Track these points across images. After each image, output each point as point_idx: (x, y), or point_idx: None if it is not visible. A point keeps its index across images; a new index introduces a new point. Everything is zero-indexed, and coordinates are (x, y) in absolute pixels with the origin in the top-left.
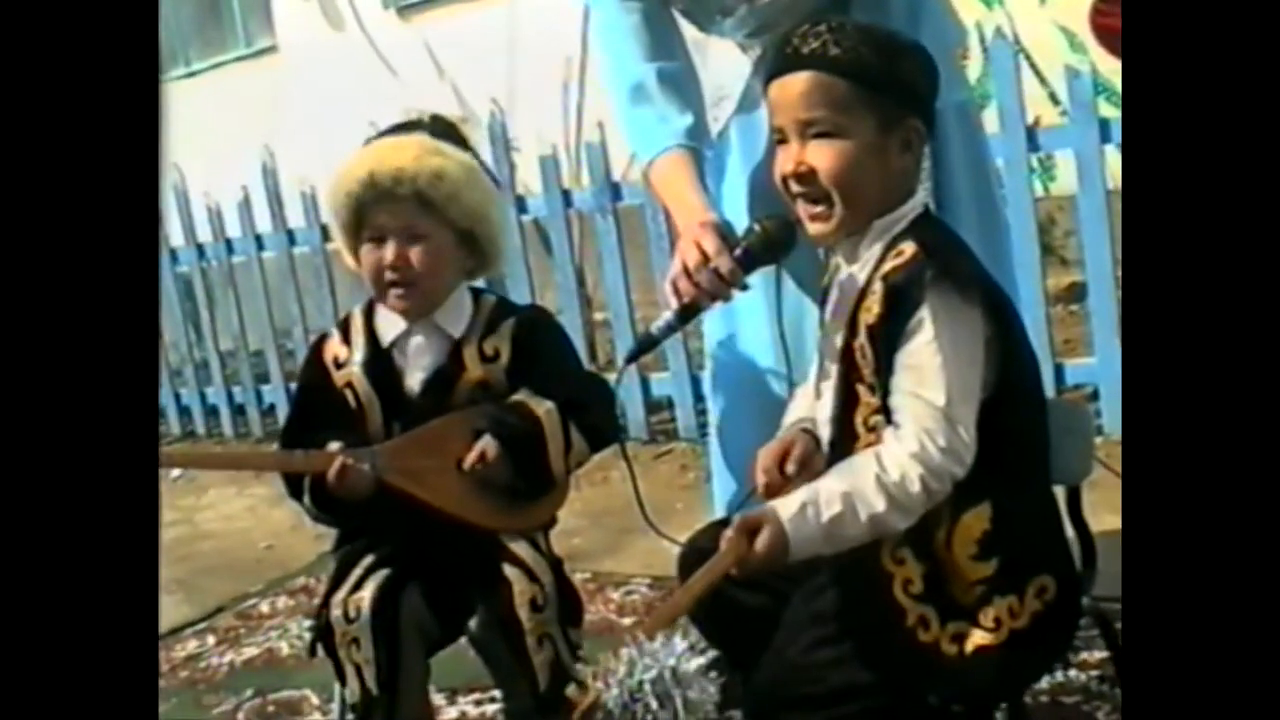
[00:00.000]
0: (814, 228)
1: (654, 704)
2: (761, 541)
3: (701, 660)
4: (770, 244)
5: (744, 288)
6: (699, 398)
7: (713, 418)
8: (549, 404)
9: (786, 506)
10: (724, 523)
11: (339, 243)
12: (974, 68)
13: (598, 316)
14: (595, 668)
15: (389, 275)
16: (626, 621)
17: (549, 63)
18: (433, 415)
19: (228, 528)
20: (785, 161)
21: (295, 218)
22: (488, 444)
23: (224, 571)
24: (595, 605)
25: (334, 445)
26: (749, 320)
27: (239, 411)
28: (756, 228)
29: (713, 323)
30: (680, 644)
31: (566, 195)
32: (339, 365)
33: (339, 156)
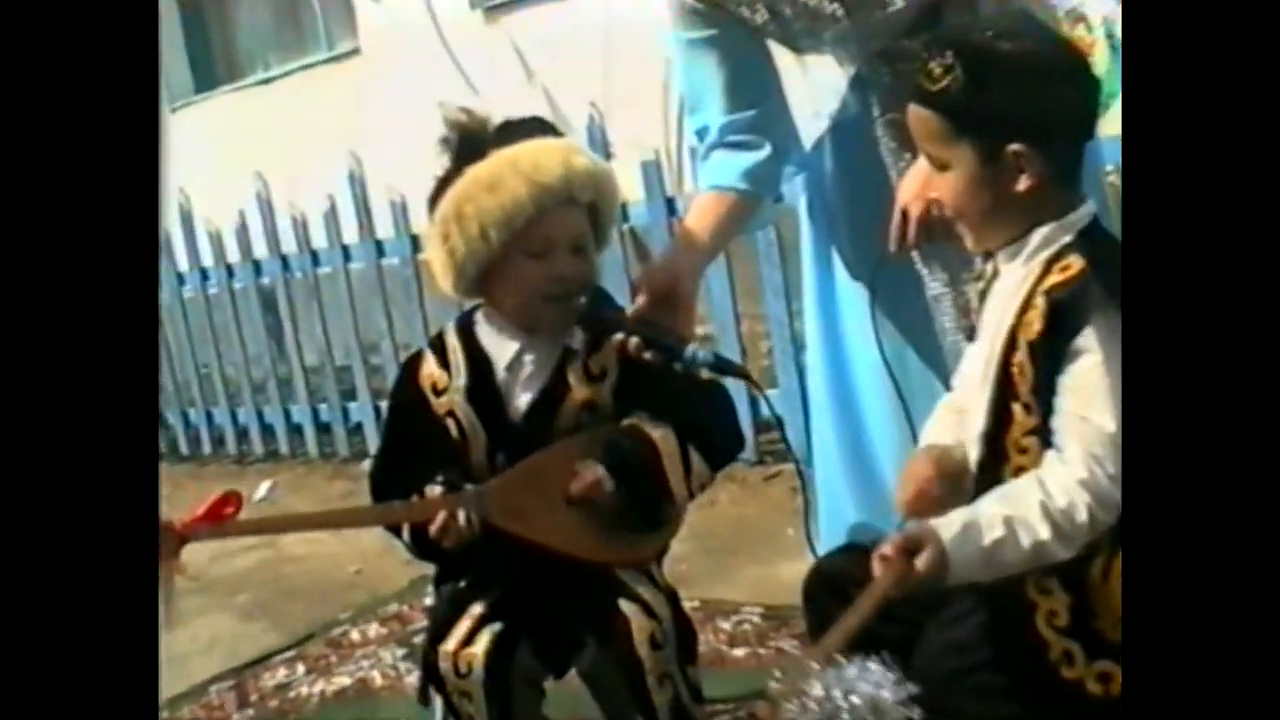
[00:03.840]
0: (963, 242)
1: None
2: (923, 561)
3: (904, 693)
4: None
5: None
6: (806, 416)
7: (815, 441)
8: (665, 426)
9: (948, 527)
10: (852, 548)
11: (470, 252)
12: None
13: (700, 330)
14: (786, 687)
15: (555, 289)
16: (738, 653)
17: (647, 63)
18: (537, 442)
19: (313, 551)
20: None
21: (384, 228)
22: (597, 472)
23: (311, 597)
24: (705, 634)
25: (435, 490)
26: (852, 338)
27: (324, 429)
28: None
29: (812, 341)
30: (875, 668)
31: (670, 202)
32: (438, 392)
33: (430, 163)
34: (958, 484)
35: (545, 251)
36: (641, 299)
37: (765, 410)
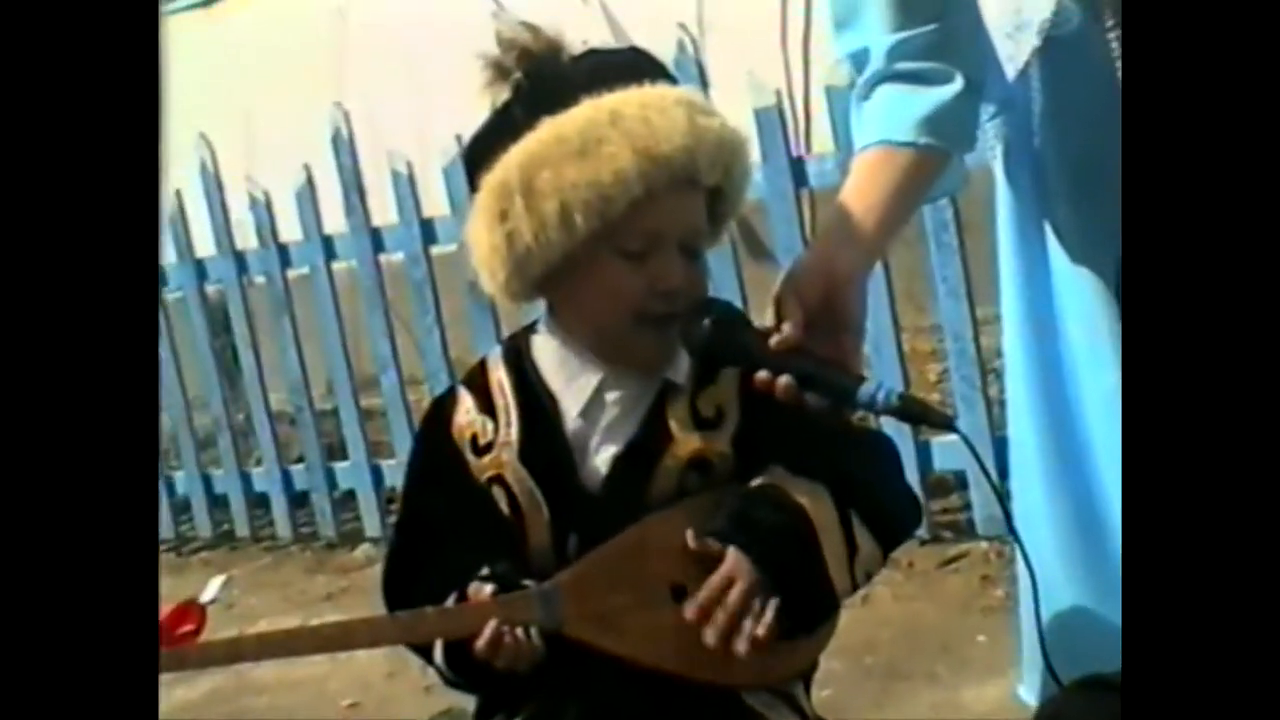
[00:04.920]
0: None
1: None
2: None
3: None
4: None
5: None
6: (1005, 473)
7: (1018, 504)
8: (817, 487)
9: None
10: (1096, 684)
11: (540, 241)
12: None
13: None
14: None
15: (657, 305)
16: None
17: None
18: (624, 516)
19: (289, 676)
20: None
21: (381, 210)
22: (738, 567)
23: None
24: None
25: (482, 590)
26: (1077, 353)
27: (299, 502)
28: None
29: (1014, 361)
30: None
31: (797, 166)
32: (480, 448)
33: (448, 117)
34: None
35: (648, 251)
36: (789, 316)
37: (939, 465)
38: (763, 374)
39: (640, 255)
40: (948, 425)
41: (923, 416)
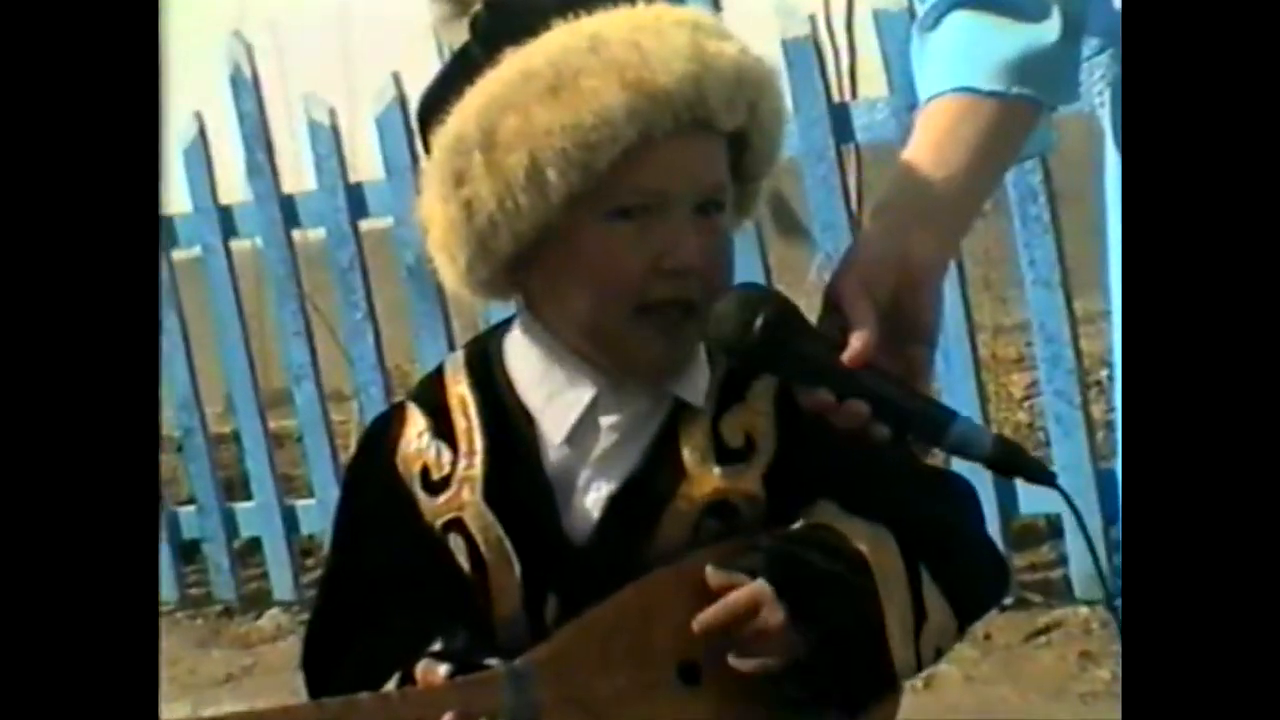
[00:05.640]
0: None
1: None
2: None
3: None
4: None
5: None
6: (1109, 518)
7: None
8: (880, 531)
9: None
10: None
11: (506, 210)
12: None
13: None
14: None
15: (664, 288)
16: None
17: None
18: (616, 575)
19: None
20: None
21: (295, 174)
22: (757, 591)
23: None
24: None
25: (435, 670)
26: None
27: (187, 556)
28: None
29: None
30: None
31: (839, 113)
32: (435, 485)
33: (381, 52)
34: None
35: (648, 216)
36: (861, 320)
37: (1025, 508)
38: (824, 395)
39: (638, 222)
40: (1046, 480)
41: (1016, 465)
